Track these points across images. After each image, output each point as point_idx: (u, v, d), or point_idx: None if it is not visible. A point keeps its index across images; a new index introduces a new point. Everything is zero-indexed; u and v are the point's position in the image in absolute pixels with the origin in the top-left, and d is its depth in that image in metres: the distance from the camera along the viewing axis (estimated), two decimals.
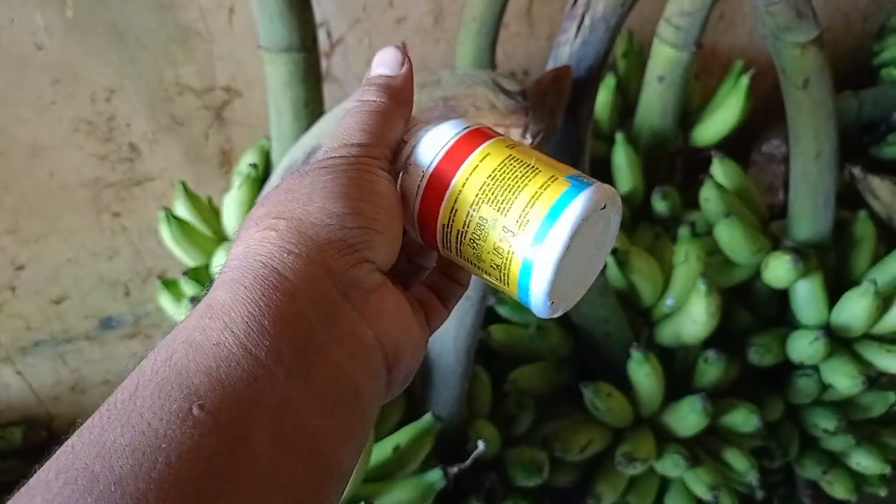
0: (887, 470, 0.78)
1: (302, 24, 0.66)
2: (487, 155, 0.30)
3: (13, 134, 0.78)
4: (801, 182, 0.74)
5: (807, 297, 0.74)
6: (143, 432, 0.22)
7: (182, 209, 0.75)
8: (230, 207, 0.73)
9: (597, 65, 0.57)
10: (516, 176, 0.29)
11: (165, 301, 0.75)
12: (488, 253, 0.30)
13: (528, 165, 0.30)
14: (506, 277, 0.30)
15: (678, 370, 0.75)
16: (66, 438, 0.22)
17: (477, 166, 0.30)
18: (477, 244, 0.30)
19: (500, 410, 0.69)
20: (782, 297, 0.79)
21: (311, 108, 0.69)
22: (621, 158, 0.87)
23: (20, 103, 0.76)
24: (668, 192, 0.84)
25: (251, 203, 0.72)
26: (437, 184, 0.31)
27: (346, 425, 0.26)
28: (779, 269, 0.70)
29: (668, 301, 0.73)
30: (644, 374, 0.67)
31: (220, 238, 0.75)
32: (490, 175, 0.30)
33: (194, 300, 0.68)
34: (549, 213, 0.29)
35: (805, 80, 0.68)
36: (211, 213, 0.78)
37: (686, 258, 0.71)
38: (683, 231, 0.72)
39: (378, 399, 0.28)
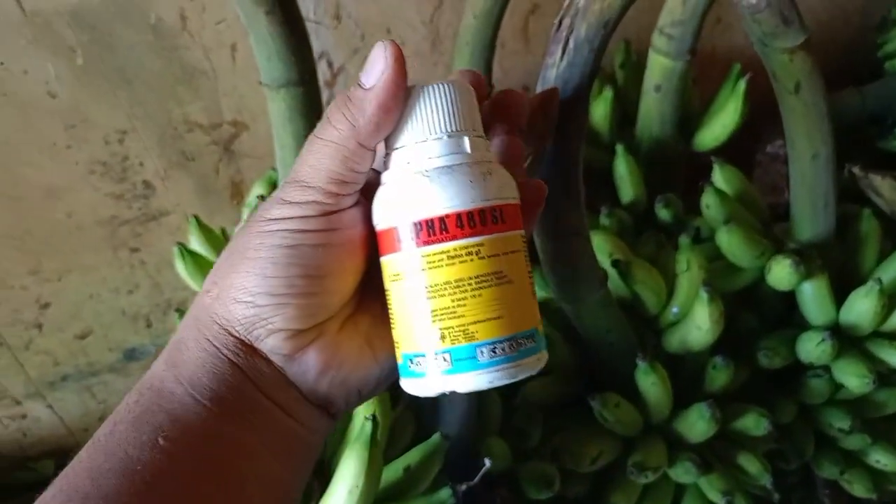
0: None
1: (299, 60, 0.68)
2: (460, 259, 0.28)
3: (30, 179, 0.81)
4: (799, 184, 0.75)
5: (813, 298, 0.74)
6: (122, 458, 0.27)
7: (196, 243, 0.78)
8: None
9: (584, 84, 0.59)
10: (474, 299, 0.28)
11: None
12: (399, 324, 0.30)
13: (496, 299, 0.28)
14: (398, 349, 0.30)
15: (687, 377, 0.76)
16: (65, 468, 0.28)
17: (440, 263, 0.28)
18: (393, 311, 0.30)
19: (511, 425, 0.70)
20: (789, 299, 0.79)
21: None
22: (622, 168, 0.88)
23: (36, 149, 0.80)
24: (671, 200, 0.85)
25: None
26: (385, 244, 0.29)
27: (284, 454, 0.31)
28: (781, 273, 0.70)
29: (674, 310, 0.73)
30: (651, 384, 0.68)
31: None
32: (445, 282, 0.28)
33: None
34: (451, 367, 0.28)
35: (796, 84, 0.69)
36: (224, 244, 0.80)
37: (688, 266, 0.71)
38: (684, 240, 0.73)
39: (319, 436, 0.32)
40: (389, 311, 0.30)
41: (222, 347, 0.30)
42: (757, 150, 1.07)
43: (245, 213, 0.74)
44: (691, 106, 0.99)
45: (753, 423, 0.71)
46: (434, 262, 0.28)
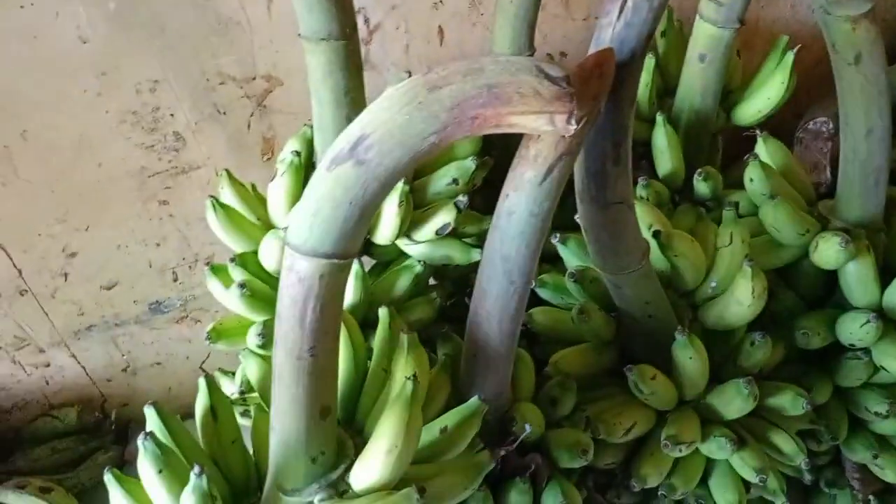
0: None
1: (341, 11, 0.66)
2: None
3: (61, 127, 0.80)
4: (851, 161, 0.73)
5: (857, 278, 0.72)
6: None
7: (228, 197, 0.77)
8: (274, 195, 0.74)
9: (640, 47, 0.56)
10: None
11: (214, 286, 0.76)
12: None
13: None
14: None
15: (722, 352, 0.75)
16: None
17: None
18: None
19: (543, 392, 0.69)
20: (829, 279, 0.77)
21: (352, 95, 0.69)
22: (661, 140, 0.86)
23: (67, 96, 0.78)
24: (710, 173, 0.83)
25: (294, 190, 0.73)
26: None
27: None
28: (828, 251, 0.69)
29: (712, 283, 0.72)
30: (688, 358, 0.67)
31: (266, 225, 0.76)
32: None
33: (242, 286, 0.69)
34: None
35: (857, 55, 0.66)
36: (255, 200, 0.79)
37: (731, 240, 0.70)
38: (729, 213, 0.71)
39: None
40: None
41: None
42: (797, 127, 1.05)
43: (279, 168, 0.73)
44: (734, 78, 0.96)
45: (790, 402, 0.70)
46: None
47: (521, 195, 0.53)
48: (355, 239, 0.49)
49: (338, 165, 0.47)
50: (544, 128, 0.47)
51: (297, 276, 0.49)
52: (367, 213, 0.48)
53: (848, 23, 0.64)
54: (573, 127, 0.47)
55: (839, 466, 0.84)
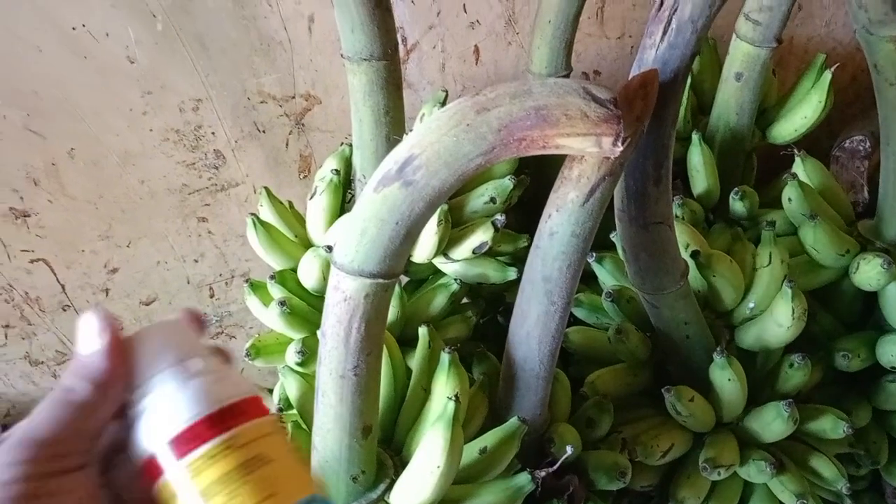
0: None
1: (383, 32, 0.67)
2: (213, 459, 0.29)
3: (106, 143, 0.82)
4: (892, 182, 0.72)
5: None
6: None
7: (267, 214, 0.78)
8: (314, 213, 0.75)
9: (683, 67, 0.57)
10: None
11: (252, 303, 0.77)
12: None
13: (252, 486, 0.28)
14: None
15: (760, 374, 0.74)
16: None
17: (198, 470, 0.29)
18: None
19: (580, 413, 0.69)
20: (868, 300, 0.76)
21: (392, 115, 0.70)
22: (697, 158, 0.86)
23: (113, 114, 0.80)
24: (747, 192, 0.83)
25: (333, 208, 0.74)
26: (152, 473, 0.29)
27: None
28: (870, 273, 0.68)
29: (750, 304, 0.71)
30: (727, 379, 0.66)
31: (304, 242, 0.77)
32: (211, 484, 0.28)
33: (283, 303, 0.70)
34: None
35: None
36: (293, 217, 0.80)
37: (770, 261, 0.69)
38: (767, 233, 0.70)
39: None
40: None
41: None
42: (832, 146, 1.04)
43: (319, 186, 0.74)
44: (770, 96, 0.96)
45: (831, 426, 0.69)
46: (198, 467, 0.29)
47: (564, 215, 0.53)
48: (400, 259, 0.50)
49: (385, 186, 0.48)
50: (590, 149, 0.47)
51: (342, 294, 0.50)
52: (413, 233, 0.49)
53: (891, 43, 0.64)
54: (619, 148, 0.47)
55: (879, 491, 0.83)
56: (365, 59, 0.68)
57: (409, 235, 0.49)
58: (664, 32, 0.55)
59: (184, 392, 0.30)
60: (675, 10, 0.55)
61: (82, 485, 0.27)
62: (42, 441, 0.27)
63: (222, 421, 0.29)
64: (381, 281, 0.49)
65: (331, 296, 0.51)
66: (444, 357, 0.58)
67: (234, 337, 1.02)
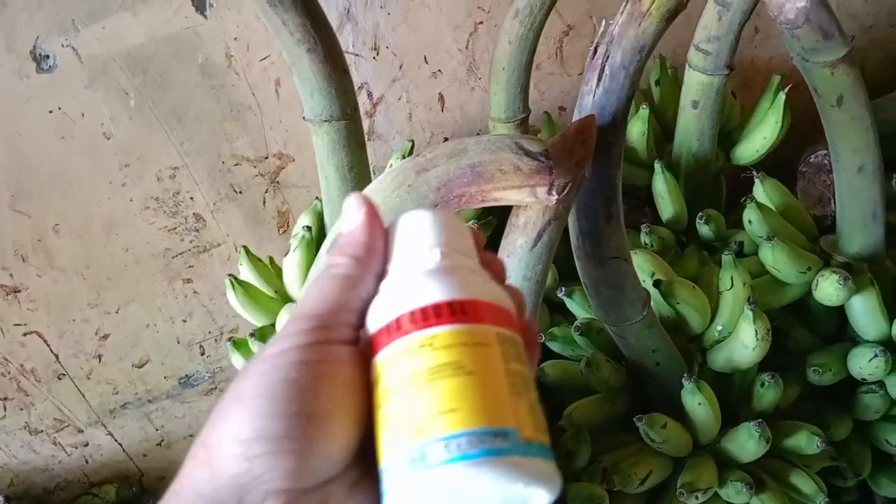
0: None
1: (341, 95, 0.70)
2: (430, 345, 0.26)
3: (90, 216, 0.85)
4: (846, 197, 0.74)
5: (863, 312, 0.73)
6: None
7: (246, 272, 0.81)
8: (289, 269, 0.78)
9: (620, 110, 0.59)
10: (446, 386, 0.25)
11: (237, 360, 0.80)
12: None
13: (477, 383, 0.25)
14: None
15: (735, 394, 0.75)
16: None
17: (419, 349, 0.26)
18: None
19: (559, 445, 0.70)
20: (841, 313, 0.78)
21: (356, 171, 0.73)
22: (661, 186, 0.88)
23: (94, 187, 0.83)
24: (711, 216, 0.85)
25: (307, 264, 0.76)
26: (369, 352, 0.28)
27: None
28: (828, 289, 0.70)
29: (718, 327, 0.73)
30: (698, 403, 0.68)
31: (283, 298, 0.80)
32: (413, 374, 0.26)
33: None
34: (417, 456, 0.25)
35: (839, 97, 0.68)
36: (273, 273, 0.82)
37: (732, 284, 0.71)
38: (727, 257, 0.72)
39: None
40: (374, 414, 0.28)
41: None
42: (801, 161, 1.06)
43: (293, 243, 0.77)
44: (731, 119, 0.98)
45: (805, 442, 0.70)
46: (394, 358, 0.27)
47: (515, 260, 0.56)
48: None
49: None
50: (527, 200, 0.50)
51: None
52: None
53: (826, 68, 0.66)
54: (554, 197, 0.49)
55: (870, 501, 0.83)
56: (326, 121, 0.71)
57: None
58: (599, 79, 0.58)
59: (410, 280, 0.29)
60: (608, 57, 0.57)
61: (349, 358, 0.27)
62: (315, 314, 0.28)
63: (430, 316, 0.27)
64: None
65: None
66: None
67: None
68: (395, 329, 0.27)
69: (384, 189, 0.49)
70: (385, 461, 0.26)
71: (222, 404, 0.26)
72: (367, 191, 0.51)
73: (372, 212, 0.30)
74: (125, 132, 0.81)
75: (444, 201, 0.49)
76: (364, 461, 0.27)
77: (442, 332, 0.26)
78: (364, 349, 0.28)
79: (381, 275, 0.30)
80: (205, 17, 0.78)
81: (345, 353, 0.27)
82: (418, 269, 0.29)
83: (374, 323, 0.28)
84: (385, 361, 0.27)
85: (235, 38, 0.80)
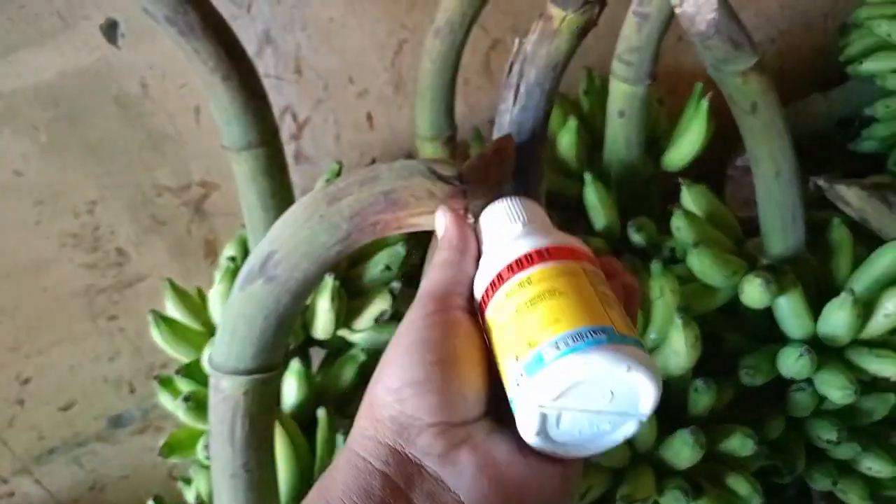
0: None
1: (259, 122, 0.68)
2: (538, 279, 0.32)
3: (4, 258, 0.81)
4: (766, 201, 0.75)
5: (789, 312, 0.74)
6: None
7: (172, 307, 0.78)
8: (215, 302, 0.75)
9: (538, 127, 0.59)
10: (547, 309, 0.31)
11: (165, 399, 0.77)
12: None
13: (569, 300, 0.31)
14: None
15: (672, 401, 0.76)
16: None
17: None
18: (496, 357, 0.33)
19: None
20: (770, 313, 0.79)
21: (278, 198, 0.72)
22: (592, 196, 0.89)
23: (7, 228, 0.80)
24: (643, 224, 0.86)
25: None
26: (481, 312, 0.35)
27: None
28: (752, 293, 0.71)
29: (651, 335, 0.73)
30: None
31: (211, 331, 0.77)
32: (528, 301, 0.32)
33: (187, 399, 0.70)
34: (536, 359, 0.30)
35: (752, 104, 0.70)
36: (201, 306, 0.80)
37: (661, 293, 0.72)
38: (655, 266, 0.73)
39: None
40: (496, 362, 0.33)
41: (373, 460, 0.30)
42: (728, 165, 1.08)
43: (217, 275, 0.74)
44: (658, 126, 1.00)
45: (739, 444, 0.71)
46: (500, 305, 0.33)
47: None
48: (275, 351, 0.51)
49: (249, 284, 0.49)
50: None
51: (221, 395, 0.50)
52: (285, 325, 0.50)
53: (738, 77, 0.67)
54: (471, 220, 0.49)
55: (808, 497, 0.85)
56: (244, 148, 0.69)
57: (281, 327, 0.50)
58: (515, 97, 0.58)
59: (506, 244, 0.36)
60: (522, 76, 0.57)
61: (466, 320, 0.34)
62: (434, 291, 0.36)
63: (522, 264, 0.33)
64: (258, 376, 0.50)
65: (212, 396, 0.51)
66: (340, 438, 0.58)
67: (162, 428, 1.00)
68: (498, 282, 0.34)
69: (295, 221, 0.48)
70: (509, 386, 0.31)
71: (376, 372, 0.33)
72: (279, 223, 0.49)
73: (455, 214, 0.41)
74: (37, 169, 0.78)
75: (359, 230, 0.48)
76: (497, 413, 0.33)
77: (535, 271, 0.33)
78: (477, 312, 0.35)
79: (478, 256, 0.38)
80: (117, 47, 0.75)
81: (461, 317, 0.34)
82: (507, 238, 0.36)
83: (480, 288, 0.35)
84: (494, 308, 0.33)
85: (151, 67, 0.78)
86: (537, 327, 0.30)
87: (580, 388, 0.29)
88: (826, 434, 0.76)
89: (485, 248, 0.38)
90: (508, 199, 0.40)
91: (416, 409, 0.30)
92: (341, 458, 0.32)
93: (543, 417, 0.30)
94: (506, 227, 0.38)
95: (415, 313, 0.34)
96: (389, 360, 0.33)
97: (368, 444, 0.31)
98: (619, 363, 0.29)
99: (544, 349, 0.29)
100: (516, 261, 0.34)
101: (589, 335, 0.29)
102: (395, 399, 0.31)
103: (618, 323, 0.31)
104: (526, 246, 0.35)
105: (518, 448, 0.32)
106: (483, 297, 0.35)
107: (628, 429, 0.32)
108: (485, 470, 0.30)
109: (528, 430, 0.31)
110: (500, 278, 0.34)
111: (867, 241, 0.81)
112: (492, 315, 0.34)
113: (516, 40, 0.59)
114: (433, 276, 0.37)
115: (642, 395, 0.31)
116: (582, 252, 0.35)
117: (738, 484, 0.70)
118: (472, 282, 0.37)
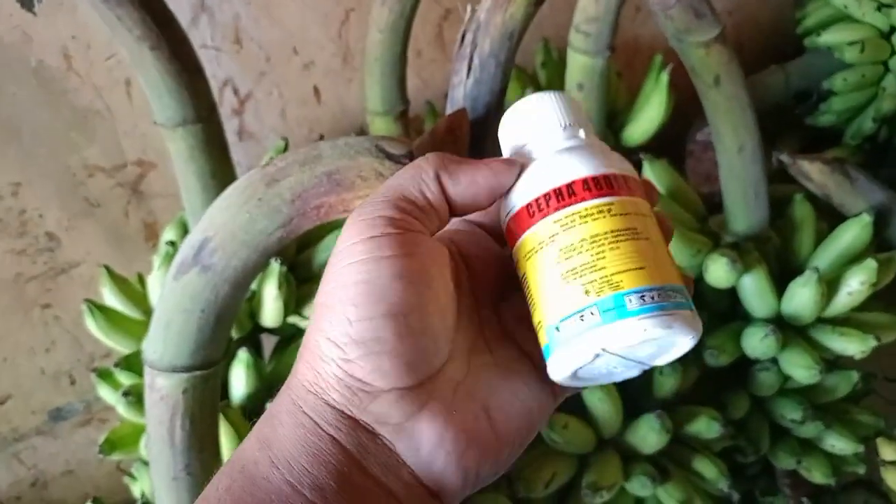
0: (861, 448, 0.77)
1: (194, 96, 0.63)
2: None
3: None
4: (729, 177, 0.73)
5: (753, 291, 0.73)
6: None
7: (109, 295, 0.73)
8: (154, 289, 0.70)
9: (494, 101, 0.56)
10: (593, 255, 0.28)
11: (105, 392, 0.72)
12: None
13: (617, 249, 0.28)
14: (541, 330, 0.29)
15: (637, 384, 0.74)
16: None
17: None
18: (532, 292, 0.29)
19: None
20: (732, 292, 0.78)
21: (219, 177, 0.67)
22: None
23: None
24: None
25: None
26: (519, 226, 0.30)
27: None
28: (718, 272, 0.69)
29: None
30: (598, 399, 0.66)
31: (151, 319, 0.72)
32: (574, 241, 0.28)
33: (127, 393, 0.65)
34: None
35: (715, 77, 0.67)
36: (141, 294, 0.75)
37: None
38: None
39: None
40: (528, 297, 0.29)
41: (321, 422, 0.26)
42: (688, 139, 1.06)
43: (156, 261, 0.70)
44: (618, 100, 0.97)
45: (705, 427, 0.69)
46: (567, 223, 0.28)
47: None
48: (216, 346, 0.46)
49: (184, 274, 0.44)
50: None
51: (158, 394, 0.46)
52: (224, 317, 0.46)
53: (701, 48, 0.65)
54: None
55: (772, 475, 0.84)
56: (179, 125, 0.64)
57: (220, 320, 0.45)
58: (469, 69, 0.54)
59: (570, 153, 0.30)
60: (475, 46, 0.53)
61: (442, 255, 0.29)
62: (390, 199, 0.29)
63: (604, 186, 0.29)
64: (198, 373, 0.46)
65: (147, 396, 0.47)
66: None
67: (106, 420, 0.95)
68: (568, 195, 0.29)
69: (231, 205, 0.44)
70: (560, 318, 0.28)
71: (317, 302, 0.27)
72: (214, 207, 0.45)
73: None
74: None
75: (301, 214, 0.44)
76: (464, 362, 0.28)
77: (618, 200, 0.29)
78: (506, 217, 0.30)
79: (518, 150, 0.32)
80: (33, 13, 0.69)
81: (421, 245, 0.27)
82: (565, 145, 0.31)
83: (527, 196, 0.30)
84: (557, 224, 0.29)
85: (73, 37, 0.72)
86: (620, 267, 0.27)
87: (644, 342, 0.27)
88: (791, 413, 0.75)
89: (527, 147, 0.32)
90: (556, 94, 0.32)
91: (365, 373, 0.25)
92: (283, 408, 0.27)
93: (593, 359, 0.28)
94: (558, 129, 0.31)
95: (359, 233, 0.27)
96: (335, 301, 0.26)
97: (314, 402, 0.26)
98: (692, 331, 0.28)
99: (630, 296, 0.27)
100: (604, 177, 0.29)
101: (675, 295, 0.27)
102: (340, 358, 0.26)
103: (687, 283, 0.29)
104: (605, 164, 0.30)
105: (483, 410, 0.28)
106: (529, 210, 0.29)
107: (634, 372, 0.30)
108: (443, 443, 0.26)
109: (566, 368, 0.28)
110: (573, 192, 0.29)
111: (828, 217, 0.80)
112: (546, 232, 0.29)
113: (468, 7, 0.55)
114: (404, 173, 0.30)
115: (673, 353, 0.29)
116: (641, 185, 0.31)
117: (705, 467, 0.69)
118: (441, 211, 0.30)
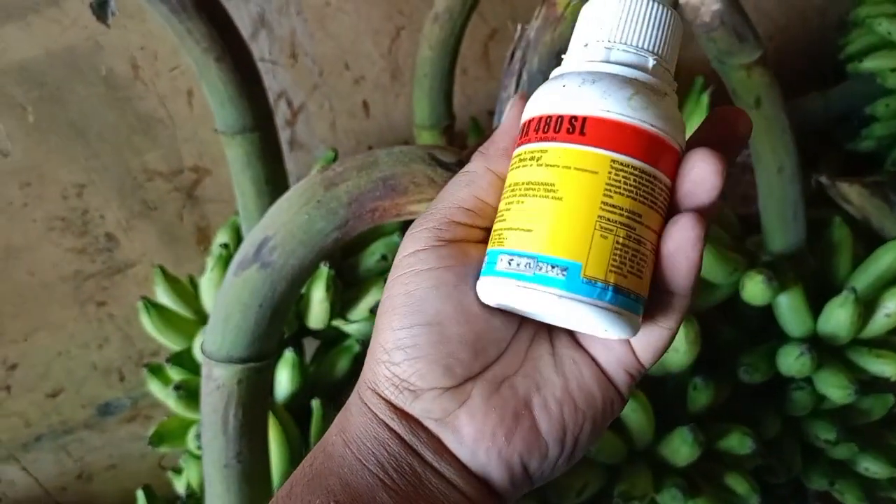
0: None
1: (254, 104, 0.67)
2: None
3: None
4: (768, 197, 0.74)
5: (789, 310, 0.73)
6: None
7: (163, 294, 0.76)
8: (207, 289, 0.74)
9: None
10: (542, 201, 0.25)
11: (155, 387, 0.75)
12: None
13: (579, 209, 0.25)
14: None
15: (670, 398, 0.75)
16: None
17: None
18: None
19: None
20: (769, 310, 0.78)
21: (273, 184, 0.70)
22: None
23: None
24: None
25: None
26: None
27: None
28: (755, 290, 0.70)
29: None
30: (631, 410, 0.67)
31: (203, 319, 0.76)
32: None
33: (178, 388, 0.68)
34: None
35: (756, 99, 0.69)
36: (192, 294, 0.78)
37: None
38: None
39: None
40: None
41: (378, 412, 0.29)
42: None
43: (209, 262, 0.73)
44: None
45: (738, 443, 0.70)
46: (515, 163, 0.27)
47: None
48: (270, 340, 0.49)
49: (244, 270, 0.47)
50: None
51: (215, 384, 0.49)
52: (280, 312, 0.48)
53: (742, 70, 0.66)
54: None
55: (803, 496, 0.84)
56: (238, 133, 0.67)
57: (276, 315, 0.48)
58: (517, 85, 0.57)
59: (562, 78, 0.27)
60: (524, 63, 0.56)
61: (471, 253, 0.30)
62: (436, 216, 0.30)
63: (549, 129, 0.26)
64: (252, 365, 0.49)
65: (204, 385, 0.50)
66: None
67: (151, 417, 0.99)
68: (524, 133, 0.27)
69: (291, 206, 0.47)
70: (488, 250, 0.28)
71: (378, 312, 0.30)
72: (274, 208, 0.48)
73: (519, 108, 0.30)
74: (24, 149, 0.76)
75: (356, 217, 0.46)
76: (525, 347, 0.30)
77: (551, 147, 0.26)
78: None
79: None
80: (107, 26, 0.73)
81: (460, 254, 0.29)
82: (573, 67, 0.27)
83: (525, 113, 0.28)
84: (515, 157, 0.27)
85: (142, 48, 0.76)
86: (513, 224, 0.26)
87: (524, 306, 0.26)
88: (824, 434, 0.75)
89: (570, 49, 0.29)
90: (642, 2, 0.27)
91: (408, 374, 0.28)
92: (353, 399, 0.31)
93: (496, 302, 0.28)
94: (586, 43, 0.27)
95: (407, 247, 0.30)
96: (385, 310, 0.29)
97: (372, 396, 0.29)
98: (545, 312, 0.26)
99: (502, 256, 0.26)
100: (545, 119, 0.26)
101: (544, 268, 0.25)
102: (388, 360, 0.29)
103: (595, 261, 0.25)
104: (566, 102, 0.26)
105: (525, 407, 0.29)
106: (522, 129, 0.28)
107: (574, 326, 0.29)
108: (482, 439, 0.28)
109: (483, 297, 0.28)
110: (525, 132, 0.27)
111: (866, 239, 0.81)
112: (513, 160, 0.28)
113: (518, 26, 0.58)
114: (457, 180, 0.31)
115: (581, 328, 0.28)
116: (639, 136, 0.25)
117: (737, 483, 0.70)
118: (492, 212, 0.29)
